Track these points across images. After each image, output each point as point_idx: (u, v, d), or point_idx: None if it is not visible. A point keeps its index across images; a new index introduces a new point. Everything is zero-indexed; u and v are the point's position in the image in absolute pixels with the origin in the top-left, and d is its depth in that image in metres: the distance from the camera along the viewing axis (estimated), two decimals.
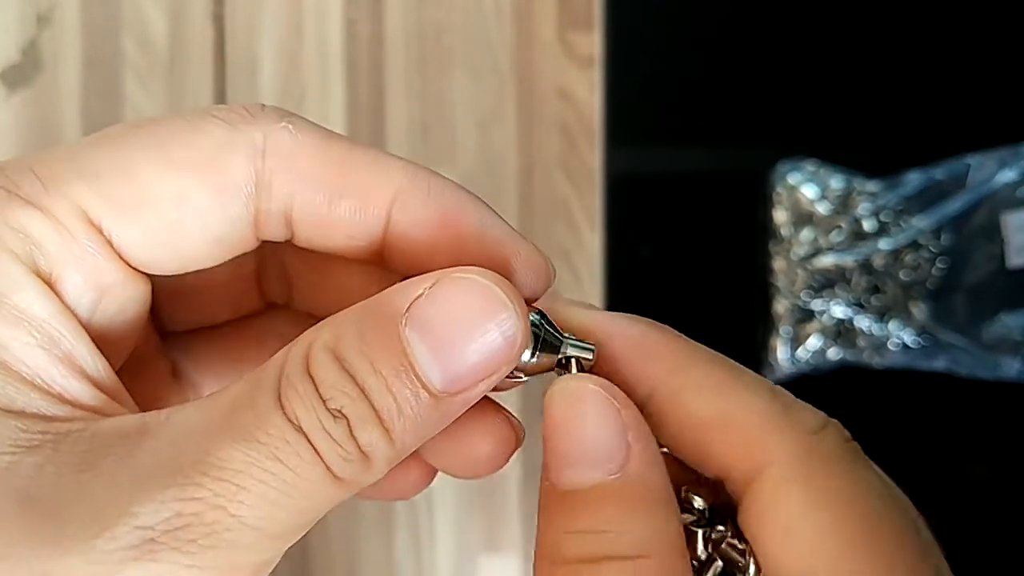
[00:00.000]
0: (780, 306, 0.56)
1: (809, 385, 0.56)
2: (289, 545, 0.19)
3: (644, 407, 0.22)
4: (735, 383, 0.22)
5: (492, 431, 0.24)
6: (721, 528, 0.22)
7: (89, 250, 0.21)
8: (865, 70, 0.57)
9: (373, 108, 0.56)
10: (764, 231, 0.57)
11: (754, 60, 0.57)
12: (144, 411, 0.21)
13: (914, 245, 0.56)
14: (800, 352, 0.56)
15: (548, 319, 0.22)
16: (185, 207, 0.21)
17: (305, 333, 0.20)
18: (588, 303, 0.25)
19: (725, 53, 0.57)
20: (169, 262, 0.22)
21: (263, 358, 0.27)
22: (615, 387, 0.21)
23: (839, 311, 0.56)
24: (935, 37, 0.57)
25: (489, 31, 0.56)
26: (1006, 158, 0.55)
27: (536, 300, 0.23)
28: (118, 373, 0.21)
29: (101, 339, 0.21)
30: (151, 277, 0.22)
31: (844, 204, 0.56)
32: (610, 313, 0.24)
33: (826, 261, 0.56)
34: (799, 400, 0.22)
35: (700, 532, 0.22)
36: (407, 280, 0.20)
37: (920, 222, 0.55)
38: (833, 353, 0.56)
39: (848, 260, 0.56)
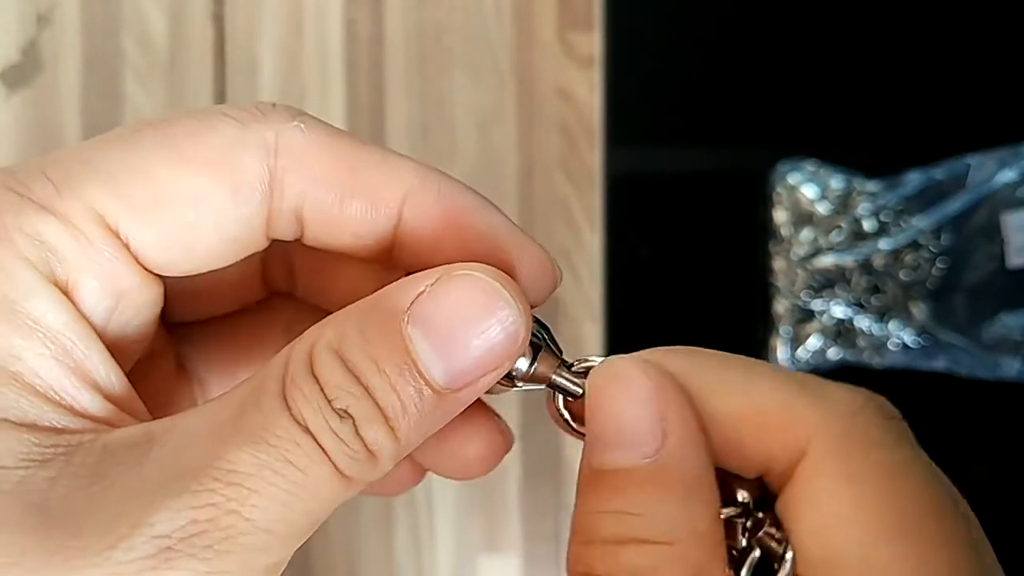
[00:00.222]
0: (780, 306, 0.56)
1: None
2: (299, 545, 0.19)
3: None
4: (758, 377, 0.22)
5: (482, 433, 0.24)
6: (760, 516, 0.22)
7: (106, 255, 0.20)
8: (865, 70, 0.57)
9: (373, 108, 0.56)
10: (764, 231, 0.57)
11: (754, 60, 0.57)
12: (150, 404, 0.21)
13: (914, 245, 0.56)
14: (800, 352, 0.56)
15: (550, 331, 0.22)
16: (201, 207, 0.21)
17: (307, 331, 0.20)
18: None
19: (725, 53, 0.57)
20: (184, 263, 0.22)
21: (267, 347, 0.26)
22: (662, 371, 0.21)
23: (839, 311, 0.56)
24: (935, 37, 0.57)
25: (489, 31, 0.56)
26: (1006, 158, 0.55)
27: (543, 303, 0.23)
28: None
29: (115, 344, 0.21)
30: (163, 279, 0.22)
31: (844, 204, 0.56)
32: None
33: (826, 261, 0.56)
34: (833, 382, 0.22)
35: (740, 523, 0.22)
36: (409, 276, 0.20)
37: (920, 222, 0.55)
38: (833, 353, 0.56)
39: (848, 260, 0.56)
